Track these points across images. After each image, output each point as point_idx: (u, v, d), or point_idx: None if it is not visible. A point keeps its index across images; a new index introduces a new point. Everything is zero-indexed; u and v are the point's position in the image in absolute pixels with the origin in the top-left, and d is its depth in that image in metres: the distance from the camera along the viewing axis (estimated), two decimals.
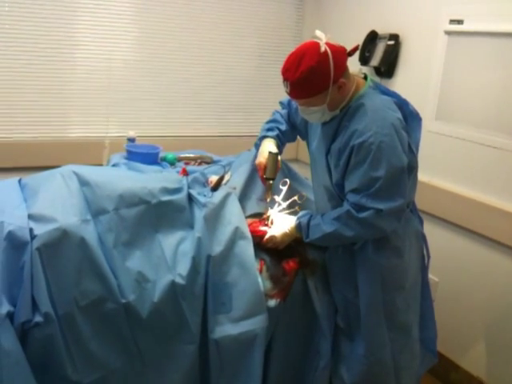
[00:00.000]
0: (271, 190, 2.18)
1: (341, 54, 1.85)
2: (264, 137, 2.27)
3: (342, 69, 1.85)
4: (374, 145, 1.80)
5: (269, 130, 2.29)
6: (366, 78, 2.00)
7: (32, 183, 2.03)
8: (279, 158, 2.20)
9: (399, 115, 1.89)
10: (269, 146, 2.21)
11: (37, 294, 1.69)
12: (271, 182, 2.17)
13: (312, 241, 2.01)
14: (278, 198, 2.17)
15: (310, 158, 2.21)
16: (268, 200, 2.17)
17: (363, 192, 1.84)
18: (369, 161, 1.81)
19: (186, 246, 1.95)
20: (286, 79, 1.85)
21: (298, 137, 2.39)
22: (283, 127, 2.29)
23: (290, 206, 2.16)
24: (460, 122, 2.70)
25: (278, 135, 2.27)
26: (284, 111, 2.34)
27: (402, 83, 3.06)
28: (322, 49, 1.79)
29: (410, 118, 1.96)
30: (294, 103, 2.19)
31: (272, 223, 2.11)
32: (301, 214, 2.08)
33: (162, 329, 1.87)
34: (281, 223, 2.08)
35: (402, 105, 1.95)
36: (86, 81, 3.25)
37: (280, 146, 2.27)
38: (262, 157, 2.17)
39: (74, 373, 1.73)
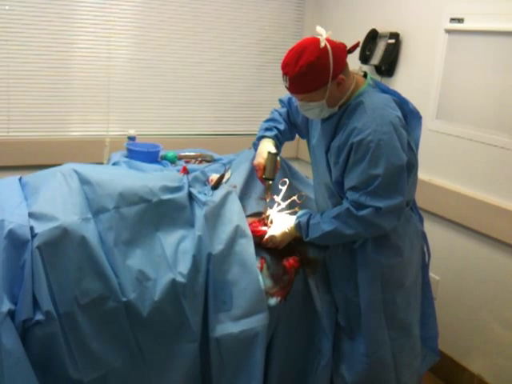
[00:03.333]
0: (270, 191, 2.17)
1: (341, 51, 1.86)
2: (262, 137, 2.26)
3: (341, 65, 1.85)
4: (372, 143, 1.81)
5: (267, 129, 2.27)
6: (365, 76, 2.00)
7: (33, 181, 2.03)
8: (278, 158, 2.20)
9: (399, 113, 1.89)
10: (267, 146, 2.20)
11: (38, 292, 1.69)
12: (270, 182, 2.16)
13: (312, 240, 2.01)
14: (277, 198, 2.16)
15: (310, 155, 2.21)
16: (267, 200, 2.17)
17: (362, 190, 1.85)
18: (367, 159, 1.82)
19: (187, 244, 1.95)
20: (285, 74, 1.86)
21: (298, 135, 2.39)
22: (281, 126, 2.28)
23: (289, 206, 2.16)
24: (461, 120, 2.70)
25: (276, 135, 2.26)
26: (283, 110, 2.33)
27: (403, 82, 3.06)
28: (322, 44, 1.80)
29: (409, 116, 1.96)
30: (295, 101, 2.19)
31: (272, 223, 2.11)
32: (300, 213, 2.08)
33: (163, 327, 1.87)
34: (280, 223, 2.08)
35: (402, 103, 1.95)
36: (86, 79, 3.25)
37: (278, 146, 2.26)
38: (261, 157, 2.16)
39: (74, 371, 1.73)
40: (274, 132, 2.26)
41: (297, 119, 2.27)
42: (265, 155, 2.15)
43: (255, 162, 2.19)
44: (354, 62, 2.87)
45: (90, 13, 3.17)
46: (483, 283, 2.64)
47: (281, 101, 2.37)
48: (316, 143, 2.09)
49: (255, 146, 2.29)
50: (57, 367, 1.72)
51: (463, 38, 2.66)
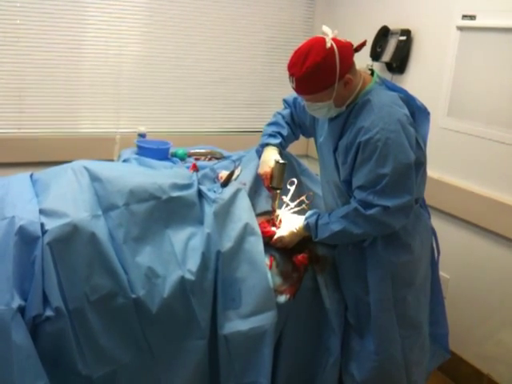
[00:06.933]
0: (278, 200, 2.15)
1: (347, 50, 1.84)
2: (266, 144, 2.24)
3: (348, 65, 1.84)
4: (380, 141, 1.80)
5: (270, 136, 2.25)
6: (372, 73, 1.99)
7: (43, 178, 2.04)
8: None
9: (406, 111, 1.88)
10: (273, 154, 2.18)
11: (48, 288, 1.70)
12: (278, 191, 2.14)
13: (321, 240, 2.00)
14: (286, 198, 2.16)
15: (318, 154, 2.20)
16: (275, 208, 2.15)
17: (370, 189, 1.84)
18: (375, 157, 1.81)
19: (196, 241, 1.96)
20: (291, 75, 1.85)
21: (303, 135, 2.37)
22: (285, 132, 2.26)
23: (298, 206, 2.15)
24: (472, 118, 2.68)
25: (280, 143, 2.23)
26: (286, 112, 2.31)
27: (414, 79, 3.04)
28: (328, 44, 1.79)
29: (417, 112, 1.95)
30: (301, 101, 2.18)
31: (280, 223, 2.11)
32: (308, 213, 2.07)
33: (172, 324, 1.87)
34: (289, 223, 2.08)
35: (409, 100, 1.94)
36: (96, 76, 3.26)
37: (282, 154, 2.24)
38: (268, 166, 2.14)
39: (84, 367, 1.74)
40: (279, 139, 2.23)
41: (304, 119, 2.25)
42: (271, 164, 2.13)
43: (261, 170, 2.16)
44: (364, 59, 2.86)
45: (101, 10, 3.18)
46: (494, 282, 2.63)
47: (285, 101, 2.34)
48: (323, 142, 2.08)
49: (258, 152, 2.27)
50: (66, 363, 1.73)
51: (475, 35, 2.64)
